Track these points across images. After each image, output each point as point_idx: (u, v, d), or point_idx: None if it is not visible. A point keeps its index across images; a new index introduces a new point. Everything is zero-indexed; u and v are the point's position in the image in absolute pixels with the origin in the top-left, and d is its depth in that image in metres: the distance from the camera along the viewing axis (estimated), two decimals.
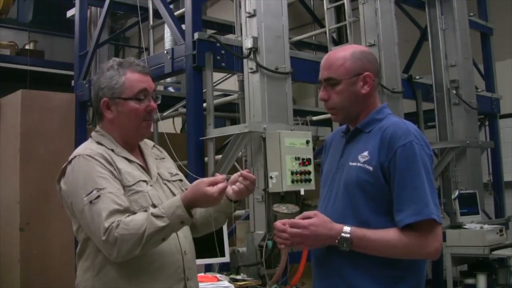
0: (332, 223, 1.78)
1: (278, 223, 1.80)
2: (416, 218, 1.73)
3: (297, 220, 1.79)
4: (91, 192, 1.75)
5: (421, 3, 6.33)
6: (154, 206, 1.81)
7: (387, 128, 1.83)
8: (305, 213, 1.81)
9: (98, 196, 1.74)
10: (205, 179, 1.78)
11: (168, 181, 2.01)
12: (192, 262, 1.96)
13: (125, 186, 1.82)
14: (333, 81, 1.90)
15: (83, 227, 1.80)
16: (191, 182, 2.20)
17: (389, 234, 1.75)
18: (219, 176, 1.79)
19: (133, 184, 1.84)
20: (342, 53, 1.93)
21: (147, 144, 2.09)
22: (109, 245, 1.70)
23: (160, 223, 1.70)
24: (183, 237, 1.92)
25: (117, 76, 1.92)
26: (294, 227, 1.77)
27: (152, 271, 1.81)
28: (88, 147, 1.90)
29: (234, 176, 1.95)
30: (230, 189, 1.91)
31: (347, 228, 1.76)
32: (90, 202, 1.74)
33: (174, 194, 1.97)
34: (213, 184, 1.75)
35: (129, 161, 1.92)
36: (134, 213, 1.77)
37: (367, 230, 1.76)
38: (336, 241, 1.76)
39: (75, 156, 1.85)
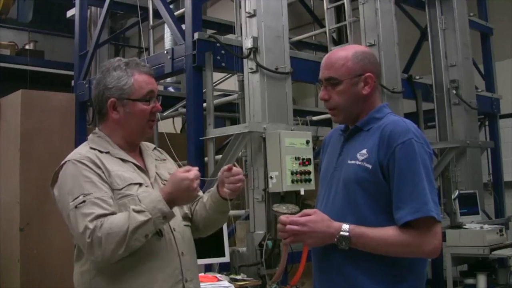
0: (331, 220, 1.78)
1: (283, 217, 1.80)
2: (415, 215, 1.72)
3: (296, 217, 1.78)
4: (77, 197, 1.76)
5: (421, 3, 6.32)
6: None
7: (386, 126, 1.83)
8: (305, 211, 1.81)
9: (84, 201, 1.74)
10: (180, 169, 1.82)
11: (167, 181, 2.01)
12: (191, 263, 1.95)
13: (114, 189, 1.82)
14: (334, 81, 1.89)
15: (71, 231, 1.81)
16: None
17: (388, 232, 1.75)
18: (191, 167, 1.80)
19: (123, 188, 1.83)
20: (344, 53, 1.91)
21: (148, 147, 2.10)
22: (94, 247, 1.70)
23: (141, 217, 1.71)
24: (181, 238, 1.92)
25: (126, 77, 1.92)
26: (292, 225, 1.77)
27: (148, 273, 1.80)
28: (78, 151, 1.91)
29: (219, 175, 1.97)
30: (222, 190, 1.95)
31: (345, 226, 1.76)
32: (75, 207, 1.75)
33: None
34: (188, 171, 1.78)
35: (124, 161, 1.92)
36: None
37: (366, 228, 1.76)
38: (335, 239, 1.76)
39: (65, 162, 1.87)
